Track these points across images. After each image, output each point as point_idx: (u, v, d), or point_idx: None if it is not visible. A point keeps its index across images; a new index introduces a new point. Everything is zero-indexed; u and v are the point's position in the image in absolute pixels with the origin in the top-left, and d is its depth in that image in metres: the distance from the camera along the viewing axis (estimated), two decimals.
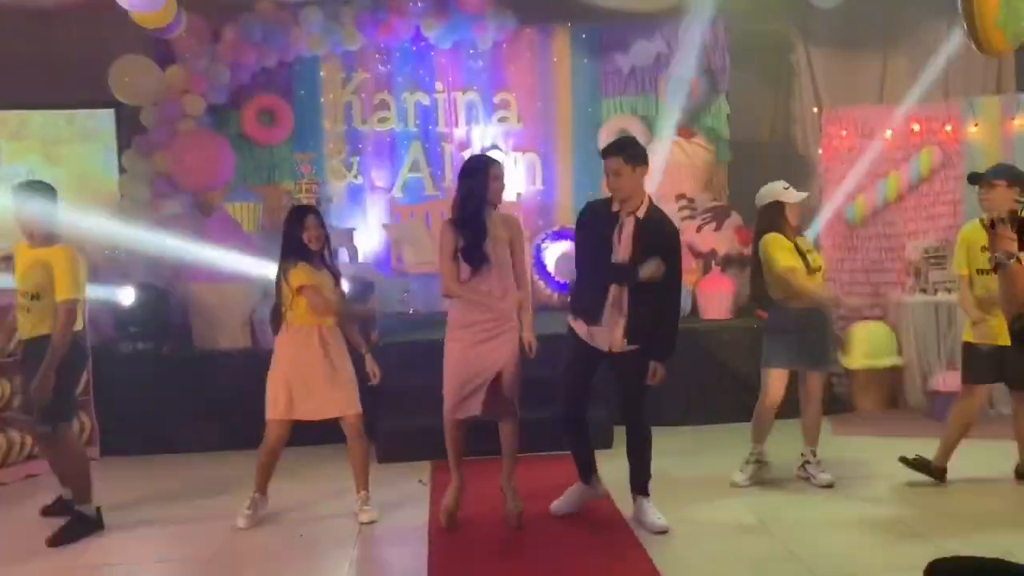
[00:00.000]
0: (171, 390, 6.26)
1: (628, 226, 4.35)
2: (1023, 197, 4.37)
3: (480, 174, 4.40)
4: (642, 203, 4.38)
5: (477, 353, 4.41)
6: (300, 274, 4.62)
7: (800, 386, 5.11)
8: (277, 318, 4.73)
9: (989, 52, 5.32)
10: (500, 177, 4.43)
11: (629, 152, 4.35)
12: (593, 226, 4.48)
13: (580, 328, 4.49)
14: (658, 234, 4.34)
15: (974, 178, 4.84)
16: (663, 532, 4.42)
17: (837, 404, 6.71)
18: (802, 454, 5.16)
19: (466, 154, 7.98)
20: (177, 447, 6.20)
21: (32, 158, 7.32)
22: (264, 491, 4.87)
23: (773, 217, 4.98)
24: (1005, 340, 4.79)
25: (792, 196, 4.98)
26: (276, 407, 4.65)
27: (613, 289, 4.37)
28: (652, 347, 4.36)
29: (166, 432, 6.21)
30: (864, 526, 4.45)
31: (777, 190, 5.01)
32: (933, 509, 4.67)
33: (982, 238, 4.80)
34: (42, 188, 4.70)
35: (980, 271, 4.78)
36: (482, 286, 4.40)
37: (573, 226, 4.72)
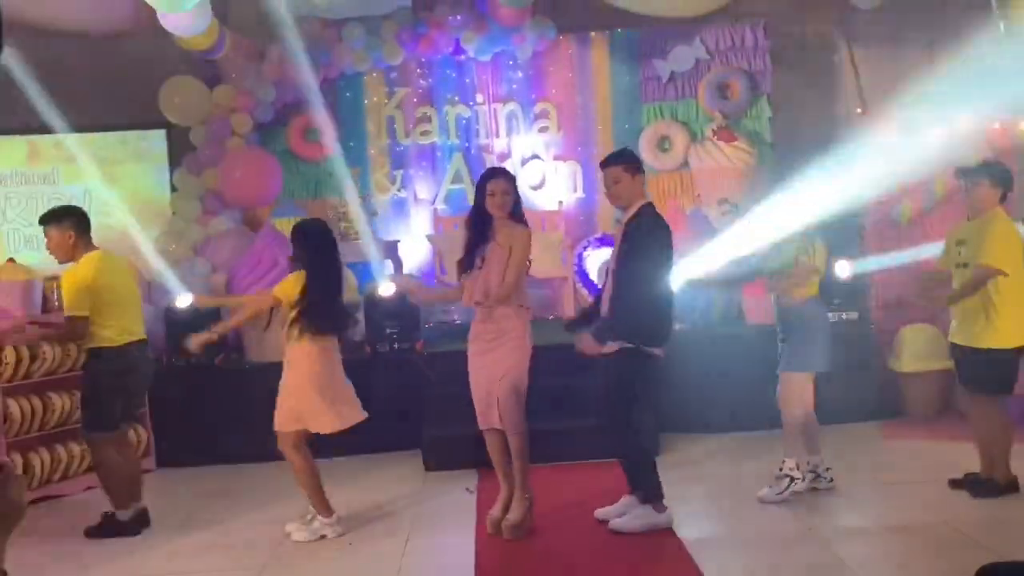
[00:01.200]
0: (225, 402, 6.40)
1: (619, 231, 4.58)
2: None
3: (479, 188, 4.61)
4: (635, 208, 4.52)
5: (476, 367, 4.60)
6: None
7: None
8: None
9: None
10: (498, 192, 4.53)
11: (627, 161, 4.56)
12: None
13: None
14: (630, 229, 4.47)
15: (960, 173, 4.90)
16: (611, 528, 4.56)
17: (889, 408, 6.62)
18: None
19: (506, 164, 8.07)
20: (231, 458, 6.32)
21: (88, 179, 7.54)
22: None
23: None
24: (953, 338, 4.81)
25: None
26: None
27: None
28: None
29: (220, 443, 6.35)
30: (914, 532, 4.39)
31: None
32: (983, 515, 4.59)
33: (957, 233, 4.89)
34: (52, 216, 4.91)
35: (958, 265, 4.87)
36: (466, 288, 4.60)
37: (614, 233, 4.81)
